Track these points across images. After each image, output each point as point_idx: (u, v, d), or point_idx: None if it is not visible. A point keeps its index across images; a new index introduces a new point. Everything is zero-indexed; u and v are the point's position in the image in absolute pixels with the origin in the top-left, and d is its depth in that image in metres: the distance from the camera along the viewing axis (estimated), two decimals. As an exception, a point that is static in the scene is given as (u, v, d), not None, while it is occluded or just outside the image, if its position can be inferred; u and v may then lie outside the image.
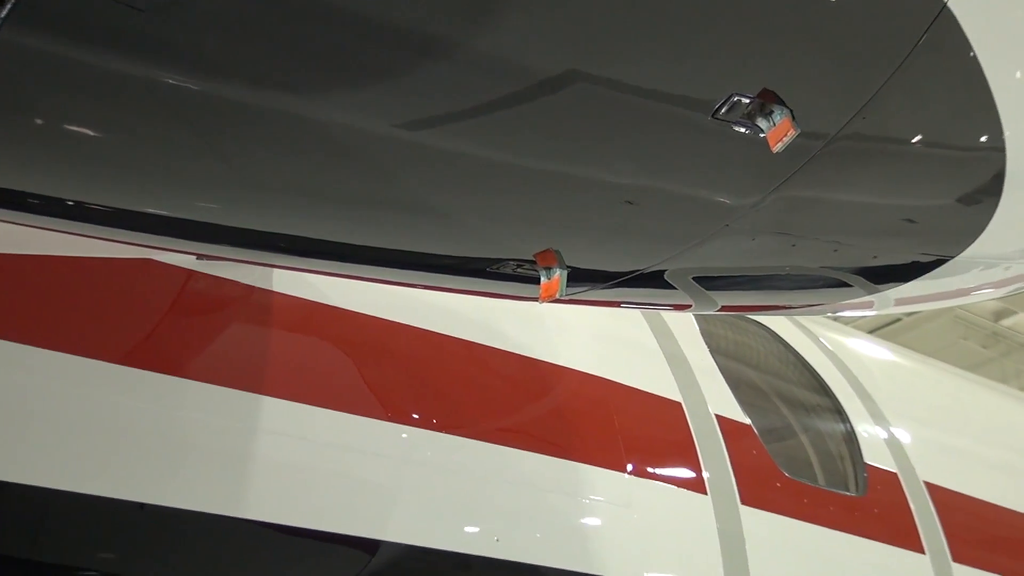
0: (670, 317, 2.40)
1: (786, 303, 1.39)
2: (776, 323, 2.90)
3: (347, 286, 1.75)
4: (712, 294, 1.19)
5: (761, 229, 0.87)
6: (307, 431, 1.66)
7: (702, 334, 2.50)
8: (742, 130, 0.68)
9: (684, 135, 0.72)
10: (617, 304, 0.87)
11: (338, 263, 0.99)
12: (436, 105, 0.64)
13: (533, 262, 0.74)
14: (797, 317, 3.07)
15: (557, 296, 0.79)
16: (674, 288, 1.09)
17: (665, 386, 2.10)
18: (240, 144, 0.65)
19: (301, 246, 0.89)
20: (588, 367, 1.93)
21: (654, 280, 0.97)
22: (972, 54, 0.69)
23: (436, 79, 0.62)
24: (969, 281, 1.12)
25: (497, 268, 0.88)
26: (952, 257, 0.98)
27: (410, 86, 0.62)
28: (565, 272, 0.79)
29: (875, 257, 1.02)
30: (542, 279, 0.74)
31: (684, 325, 2.39)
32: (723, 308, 1.35)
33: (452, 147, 0.67)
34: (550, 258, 0.78)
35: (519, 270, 0.82)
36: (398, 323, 1.87)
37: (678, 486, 1.97)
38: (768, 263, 1.05)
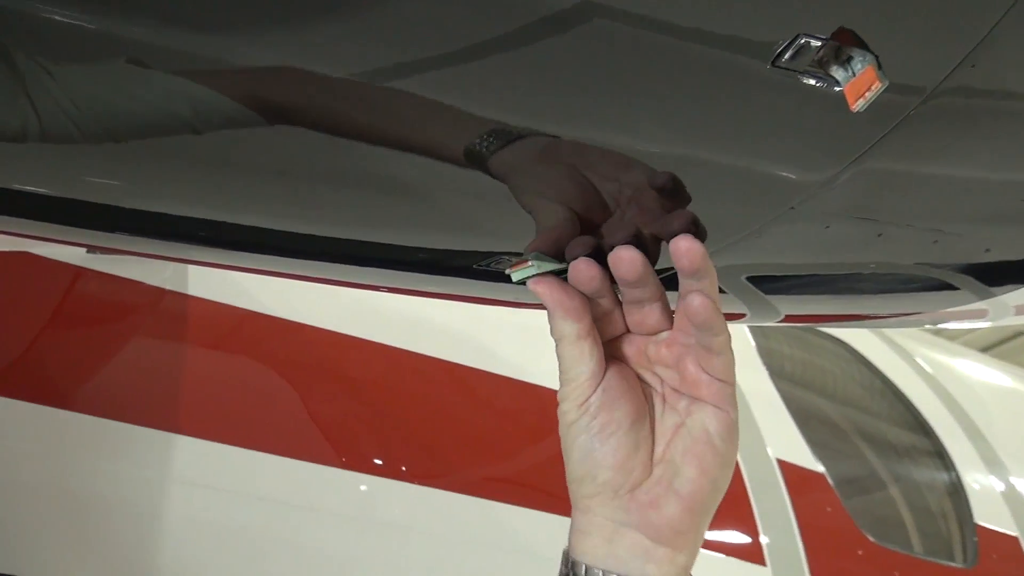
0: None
1: (870, 311, 1.40)
2: (858, 338, 2.91)
3: (290, 291, 1.76)
4: (773, 299, 1.19)
5: (836, 213, 0.88)
6: (233, 481, 1.67)
7: (759, 353, 2.52)
8: (811, 82, 0.69)
9: (734, 89, 0.73)
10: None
11: (290, 258, 1.00)
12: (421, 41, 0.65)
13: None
14: (885, 330, 3.08)
15: None
16: (722, 291, 1.10)
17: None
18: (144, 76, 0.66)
19: (235, 235, 0.89)
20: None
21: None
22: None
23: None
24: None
25: (486, 265, 0.89)
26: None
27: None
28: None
29: (988, 251, 1.03)
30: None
31: (735, 341, 2.39)
32: (787, 318, 1.35)
33: (439, 93, 0.69)
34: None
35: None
36: (358, 339, 1.88)
37: (727, 554, 1.97)
38: (846, 258, 1.05)
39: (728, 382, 0.73)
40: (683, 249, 0.69)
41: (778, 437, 2.28)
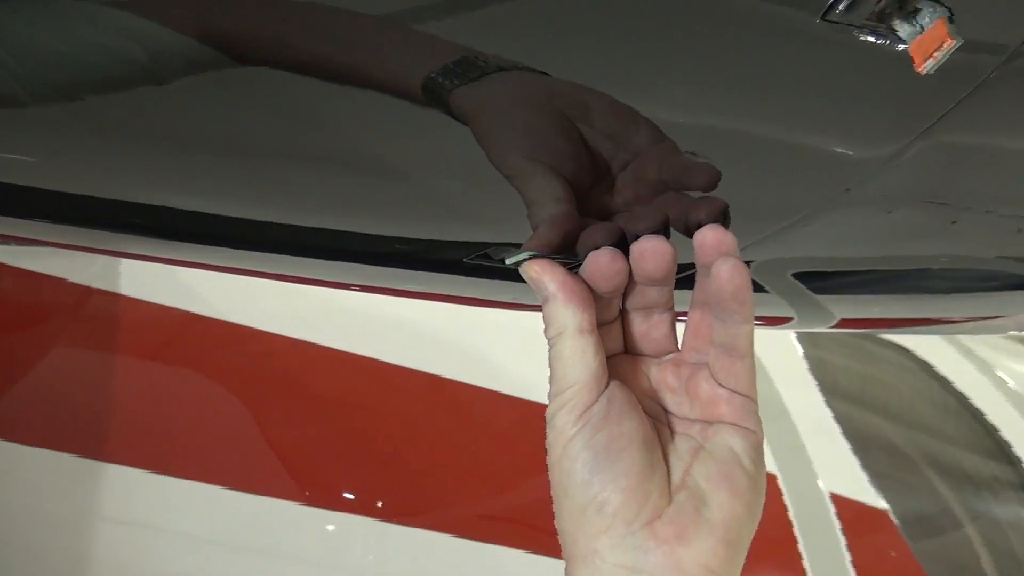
0: (759, 338, 2.38)
1: (942, 315, 1.40)
2: (927, 348, 2.90)
3: (243, 289, 1.76)
4: (824, 300, 1.19)
5: (900, 197, 0.88)
6: (172, 518, 1.67)
7: (809, 365, 2.52)
8: (870, 39, 0.69)
9: (777, 46, 0.73)
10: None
11: (247, 249, 0.99)
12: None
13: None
14: (961, 338, 3.09)
15: None
16: (765, 291, 1.10)
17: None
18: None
19: (190, 223, 0.89)
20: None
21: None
22: None
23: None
24: None
25: (481, 257, 0.89)
26: None
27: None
28: None
29: (1087, 241, 1.03)
30: None
31: (781, 351, 2.39)
32: (842, 323, 1.36)
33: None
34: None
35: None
36: (325, 348, 1.89)
37: (770, 607, 1.97)
38: (912, 250, 1.05)
39: (751, 397, 0.74)
40: (710, 242, 0.69)
41: (831, 467, 2.28)
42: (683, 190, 0.74)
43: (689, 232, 0.71)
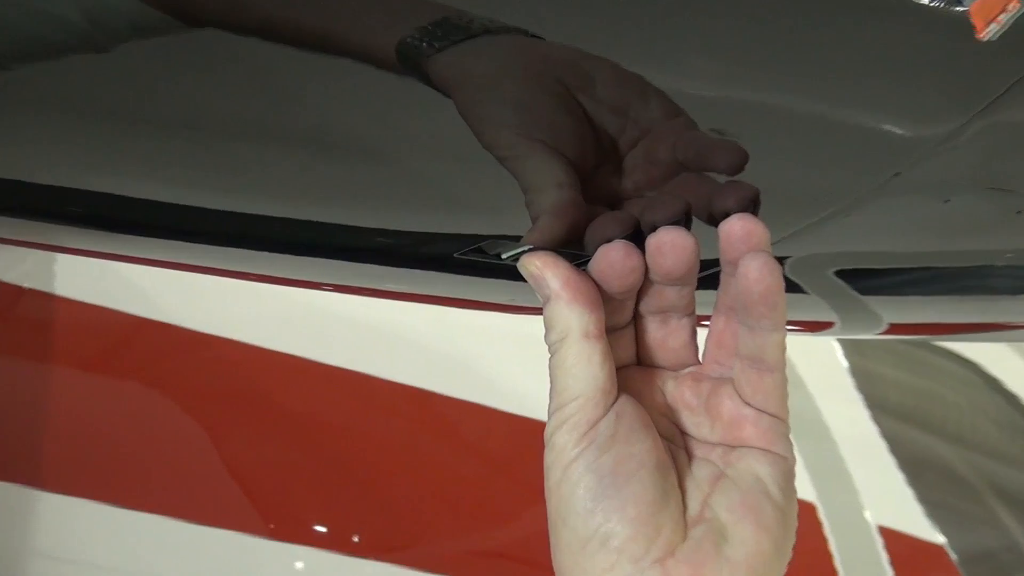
0: (796, 347, 2.40)
1: (1007, 318, 1.40)
2: (992, 357, 2.90)
3: (197, 289, 1.76)
4: (872, 302, 1.19)
5: (959, 182, 0.88)
6: (117, 555, 1.68)
7: (854, 377, 2.52)
8: (925, 0, 0.69)
9: (819, 6, 0.73)
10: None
11: (206, 243, 0.99)
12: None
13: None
14: (1029, 345, 3.09)
15: None
16: (802, 292, 1.10)
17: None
18: None
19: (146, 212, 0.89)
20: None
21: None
22: None
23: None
24: None
25: (474, 252, 0.89)
26: None
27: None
28: None
29: None
30: None
31: (821, 361, 2.39)
32: (892, 328, 1.35)
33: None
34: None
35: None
36: (292, 357, 1.89)
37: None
38: (972, 244, 1.05)
39: (781, 417, 0.73)
40: (738, 234, 0.68)
41: (880, 495, 2.28)
42: (703, 172, 0.73)
43: (713, 222, 0.70)
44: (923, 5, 0.68)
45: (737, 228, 0.68)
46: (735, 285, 0.69)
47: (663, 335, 0.76)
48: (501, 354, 2.07)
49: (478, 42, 0.67)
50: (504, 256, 0.73)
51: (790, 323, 1.25)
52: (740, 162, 0.71)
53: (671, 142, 0.73)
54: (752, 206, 0.69)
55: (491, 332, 2.03)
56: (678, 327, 0.76)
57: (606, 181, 0.75)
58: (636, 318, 0.77)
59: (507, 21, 0.68)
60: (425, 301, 1.19)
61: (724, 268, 0.71)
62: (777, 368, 0.71)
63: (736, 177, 0.71)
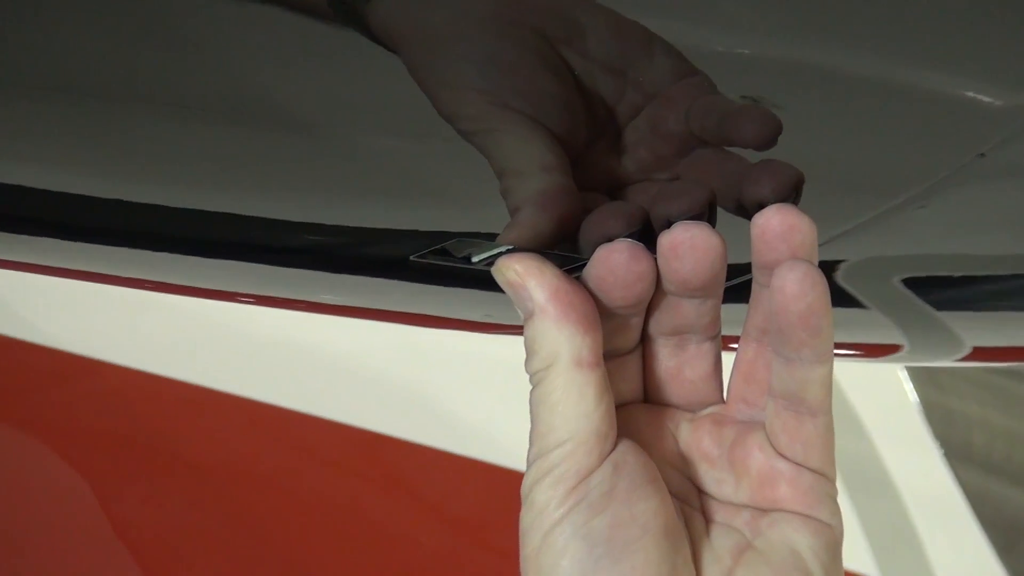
0: (852, 377, 2.39)
1: None
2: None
3: (82, 303, 1.76)
4: (950, 319, 1.20)
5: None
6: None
7: (928, 420, 2.52)
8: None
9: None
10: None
11: (92, 241, 0.99)
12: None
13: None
14: None
15: None
16: (861, 306, 1.10)
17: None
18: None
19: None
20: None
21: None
22: None
23: None
24: None
25: (438, 256, 0.88)
26: None
27: None
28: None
29: None
30: None
31: (883, 396, 2.38)
32: (977, 353, 1.36)
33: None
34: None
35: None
36: (201, 388, 1.89)
37: None
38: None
39: (826, 474, 0.71)
40: (775, 231, 0.66)
41: (962, 569, 2.27)
42: (724, 146, 0.73)
43: (743, 213, 0.69)
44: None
45: (775, 223, 0.66)
46: (770, 301, 0.66)
47: (678, 364, 0.74)
48: (469, 386, 2.07)
49: None
50: (475, 260, 0.71)
51: (845, 347, 1.26)
52: (773, 133, 0.69)
53: (683, 109, 0.73)
54: (794, 194, 0.68)
55: (457, 357, 2.03)
56: (697, 354, 0.74)
57: (602, 161, 0.75)
58: (644, 341, 0.75)
59: None
60: (372, 317, 1.19)
61: (757, 277, 0.69)
62: (821, 411, 0.69)
63: (771, 156, 0.70)
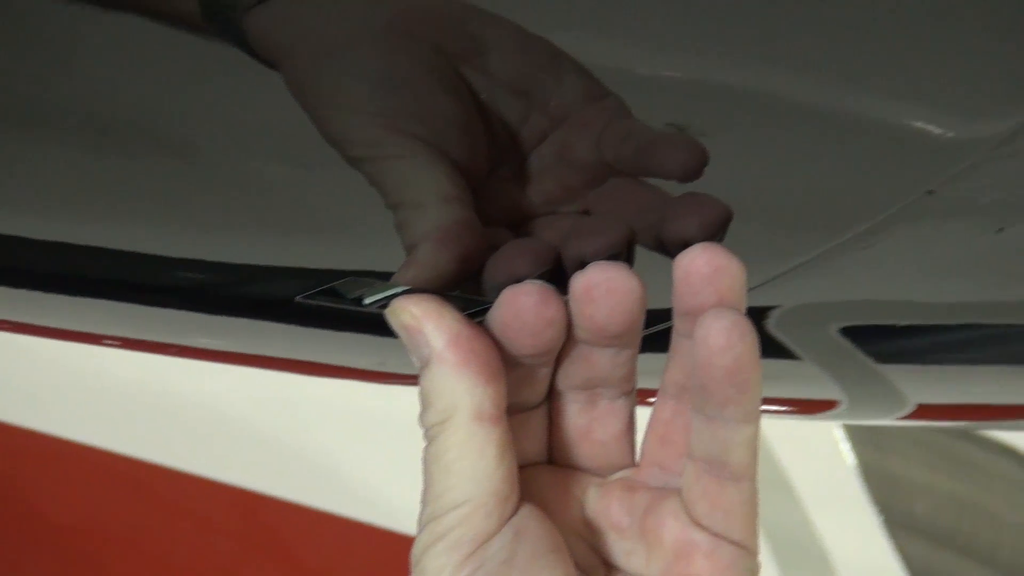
0: (783, 437, 2.40)
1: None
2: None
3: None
4: (893, 372, 1.21)
5: (1020, 202, 0.89)
6: None
7: (866, 481, 2.54)
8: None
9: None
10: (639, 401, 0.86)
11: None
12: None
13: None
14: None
15: None
16: (793, 356, 1.11)
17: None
18: None
19: None
20: None
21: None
22: None
23: None
24: None
25: (326, 297, 0.88)
26: None
27: None
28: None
29: None
30: None
31: (818, 458, 2.39)
32: (922, 411, 1.37)
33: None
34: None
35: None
36: (56, 440, 1.89)
37: None
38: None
39: (747, 546, 0.70)
40: (699, 272, 0.65)
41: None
42: (642, 176, 0.72)
43: (665, 251, 0.69)
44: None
45: (700, 264, 0.64)
46: (691, 353, 0.65)
47: (588, 422, 0.73)
48: (357, 441, 2.07)
49: None
50: (367, 301, 0.71)
51: (776, 402, 1.27)
52: (699, 163, 0.69)
53: (595, 134, 0.72)
54: (721, 231, 0.67)
55: (344, 409, 2.03)
56: (609, 411, 0.73)
57: (504, 191, 0.74)
58: (551, 396, 0.74)
59: None
60: (252, 364, 1.19)
61: (678, 325, 0.69)
62: (745, 476, 0.68)
63: (694, 188, 0.69)
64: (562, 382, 0.73)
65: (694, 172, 0.69)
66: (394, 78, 0.68)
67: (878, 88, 0.79)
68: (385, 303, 0.69)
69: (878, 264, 0.93)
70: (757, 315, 0.97)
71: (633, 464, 0.75)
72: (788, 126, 0.80)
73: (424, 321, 0.66)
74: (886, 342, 1.13)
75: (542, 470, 0.74)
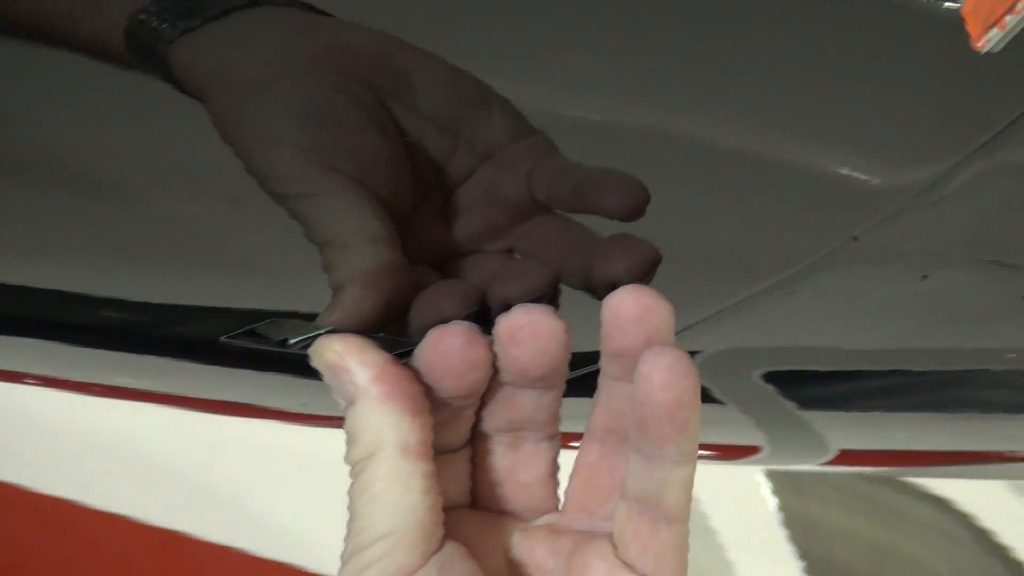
0: (704, 481, 2.40)
1: (1005, 446, 1.42)
2: (980, 500, 2.95)
3: None
4: (815, 418, 1.21)
5: (943, 251, 0.90)
6: None
7: (787, 526, 2.55)
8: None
9: (761, 17, 0.75)
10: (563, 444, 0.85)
11: None
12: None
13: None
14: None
15: None
16: (716, 401, 1.11)
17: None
18: None
19: None
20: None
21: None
22: None
23: None
24: None
25: (250, 339, 0.87)
26: None
27: None
28: None
29: None
30: None
31: (741, 503, 2.40)
32: (843, 457, 1.37)
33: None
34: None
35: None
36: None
37: None
38: (960, 340, 1.07)
39: None
40: (631, 311, 0.63)
41: None
42: (575, 214, 0.72)
43: (594, 291, 0.68)
44: (898, 2, 0.69)
45: (629, 305, 0.63)
46: (626, 393, 0.64)
47: (511, 465, 0.72)
48: (278, 481, 2.06)
49: (243, 19, 0.67)
50: (292, 342, 0.70)
51: (699, 447, 1.27)
52: (642, 202, 0.68)
53: (522, 171, 0.71)
54: (649, 273, 0.66)
55: (267, 450, 2.02)
56: (533, 454, 0.71)
57: (428, 228, 0.72)
58: (474, 438, 0.73)
59: None
60: (175, 404, 1.18)
61: (606, 367, 0.67)
62: (679, 518, 0.66)
63: (628, 231, 0.69)
64: (486, 424, 0.71)
65: (636, 211, 0.68)
66: (321, 113, 0.68)
67: (805, 134, 0.80)
68: (308, 343, 0.68)
69: (802, 310, 0.94)
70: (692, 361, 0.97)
71: (556, 508, 0.73)
72: (714, 171, 0.80)
73: (348, 357, 0.65)
74: (809, 388, 1.13)
75: (465, 513, 0.73)
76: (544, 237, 0.72)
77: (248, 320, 0.77)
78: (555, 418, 0.71)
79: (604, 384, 0.68)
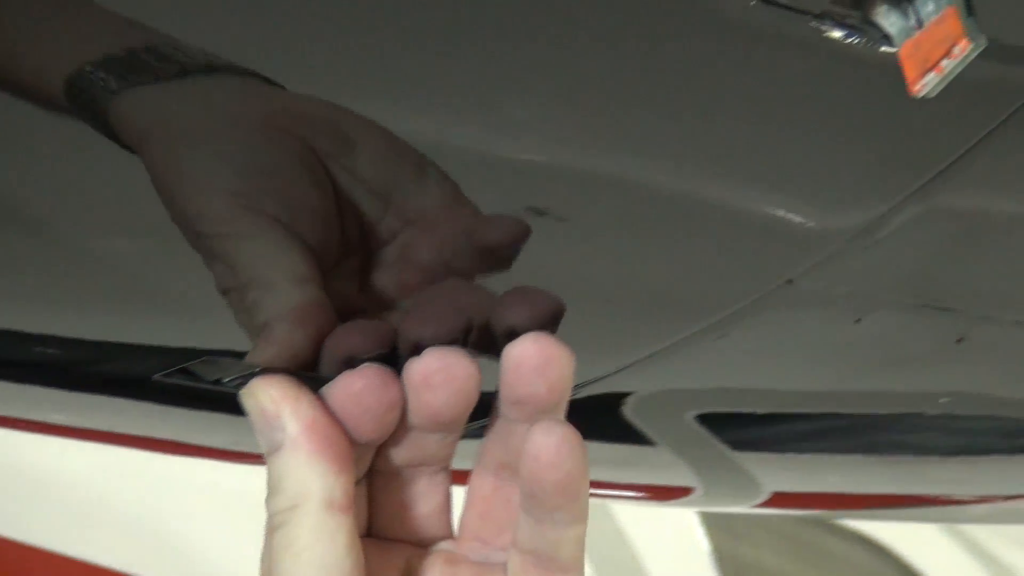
0: (638, 521, 2.40)
1: (937, 489, 1.42)
2: (914, 543, 2.96)
3: None
4: (748, 460, 1.21)
5: (876, 295, 0.90)
6: None
7: (720, 566, 2.55)
8: (836, 35, 0.71)
9: (682, 40, 0.75)
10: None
11: None
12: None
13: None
14: (968, 529, 3.17)
15: None
16: (648, 442, 1.10)
17: None
18: None
19: None
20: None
21: (594, 418, 1.00)
22: None
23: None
24: None
25: (182, 377, 0.87)
26: None
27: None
28: None
29: None
30: None
31: (671, 544, 2.40)
32: (777, 499, 1.37)
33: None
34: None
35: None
36: None
37: None
38: (893, 384, 1.07)
39: None
40: (533, 360, 0.63)
41: None
42: (475, 261, 0.72)
43: (495, 344, 0.66)
44: (836, 44, 0.69)
45: (531, 354, 0.63)
46: (516, 452, 0.65)
47: (409, 497, 0.71)
48: (210, 521, 2.05)
49: (196, 82, 0.67)
50: (225, 381, 0.70)
51: (632, 488, 1.27)
52: (520, 235, 0.70)
53: (439, 237, 0.72)
54: (553, 324, 0.66)
55: (202, 488, 2.01)
56: (429, 487, 0.71)
57: (345, 283, 0.73)
58: (372, 473, 0.72)
59: (237, 61, 0.68)
60: (107, 441, 1.17)
61: (505, 410, 0.67)
62: (574, 568, 0.67)
63: (544, 276, 0.69)
64: (386, 461, 0.71)
65: (518, 239, 0.70)
66: (257, 162, 0.68)
67: (740, 177, 0.80)
68: (242, 383, 0.67)
69: (736, 352, 0.93)
70: (614, 400, 0.97)
71: (451, 535, 0.73)
72: (648, 212, 0.80)
73: (282, 405, 0.63)
74: (742, 430, 1.13)
75: (366, 544, 0.69)
76: (449, 295, 0.72)
77: (182, 358, 0.77)
78: (451, 453, 0.71)
79: (499, 424, 0.68)
